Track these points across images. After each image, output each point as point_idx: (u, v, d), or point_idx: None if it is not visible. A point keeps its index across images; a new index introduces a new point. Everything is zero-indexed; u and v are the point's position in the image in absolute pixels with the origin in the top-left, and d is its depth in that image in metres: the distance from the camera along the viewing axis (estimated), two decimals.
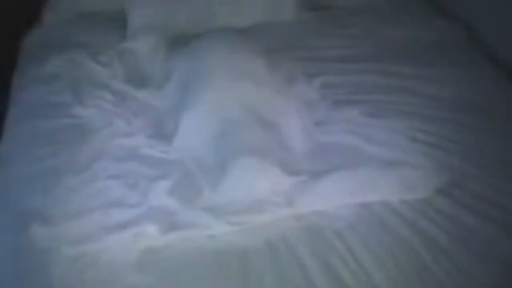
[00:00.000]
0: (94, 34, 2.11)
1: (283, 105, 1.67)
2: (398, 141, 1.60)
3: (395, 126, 1.66)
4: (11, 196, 1.49)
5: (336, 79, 1.88)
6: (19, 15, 2.28)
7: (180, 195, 1.45)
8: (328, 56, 1.98)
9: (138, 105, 1.79)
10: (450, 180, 1.48)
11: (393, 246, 1.33)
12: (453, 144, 1.60)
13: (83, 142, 1.63)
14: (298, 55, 1.97)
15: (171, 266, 1.31)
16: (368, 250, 1.32)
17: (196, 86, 1.68)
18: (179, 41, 1.99)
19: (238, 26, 2.09)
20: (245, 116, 1.59)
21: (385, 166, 1.50)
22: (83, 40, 2.07)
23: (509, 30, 1.99)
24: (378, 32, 2.09)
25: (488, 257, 1.31)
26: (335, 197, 1.44)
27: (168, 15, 2.14)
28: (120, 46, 2.02)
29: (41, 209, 1.42)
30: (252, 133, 1.54)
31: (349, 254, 1.32)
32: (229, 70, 1.69)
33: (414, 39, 2.04)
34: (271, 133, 1.58)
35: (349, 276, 1.27)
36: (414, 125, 1.66)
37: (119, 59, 1.97)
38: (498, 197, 1.45)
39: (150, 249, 1.34)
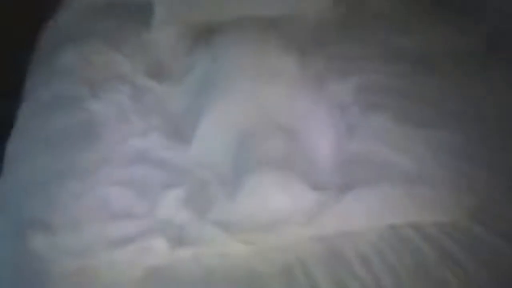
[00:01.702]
0: (117, 23, 1.98)
1: (311, 110, 1.53)
2: (432, 154, 1.45)
3: (427, 135, 1.51)
4: (13, 200, 1.40)
5: (373, 80, 1.71)
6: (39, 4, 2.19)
7: (191, 206, 1.33)
8: (366, 54, 1.81)
9: (157, 101, 1.67)
10: (480, 202, 1.33)
11: (421, 274, 1.20)
12: (486, 160, 1.44)
13: (93, 141, 1.52)
14: (333, 51, 1.81)
15: (177, 285, 1.19)
16: (393, 278, 1.19)
17: (217, 87, 1.56)
18: (205, 32, 1.86)
19: (267, 16, 1.93)
20: (267, 123, 1.45)
21: (415, 184, 1.35)
22: (106, 29, 1.95)
23: None
24: (421, 31, 1.91)
25: None
26: (361, 217, 1.30)
27: (194, 2, 2.00)
28: (144, 36, 1.90)
29: (42, 216, 1.32)
30: (273, 143, 1.41)
31: (373, 282, 1.18)
32: (254, 70, 1.56)
33: (456, 45, 1.86)
34: (294, 142, 1.44)
35: None
36: (447, 136, 1.50)
37: (142, 51, 1.85)
38: None
39: (155, 266, 1.22)
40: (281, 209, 1.29)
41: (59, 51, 1.87)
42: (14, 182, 1.45)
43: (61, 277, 1.21)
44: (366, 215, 1.30)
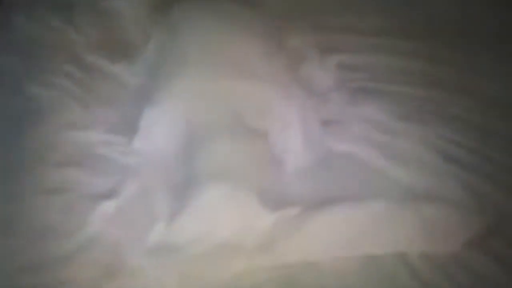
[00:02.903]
0: None
1: (279, 104, 1.27)
2: (430, 159, 1.21)
3: (430, 135, 1.26)
4: None
5: (359, 58, 1.47)
6: None
7: (127, 223, 1.11)
8: (352, 27, 1.55)
9: (107, 85, 1.43)
10: (492, 225, 1.08)
11: None
12: (504, 172, 1.18)
13: (29, 133, 1.29)
14: (312, 23, 1.54)
15: None
16: None
17: (167, 73, 1.30)
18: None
19: None
20: (224, 121, 1.20)
21: (406, 200, 1.11)
22: None
23: None
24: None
25: None
26: (332, 243, 1.07)
27: None
28: (101, 4, 1.64)
29: None
30: (229, 146, 1.16)
31: None
32: (212, 56, 1.29)
33: (479, 18, 1.55)
34: (256, 145, 1.19)
35: None
36: (455, 137, 1.25)
37: (97, 22, 1.59)
38: None
39: None
40: (230, 233, 1.06)
41: (11, 14, 1.62)
42: None
43: None
44: (336, 242, 1.07)
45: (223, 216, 1.08)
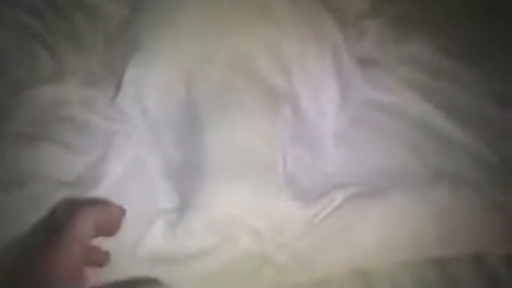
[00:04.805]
0: None
1: (309, 53, 0.95)
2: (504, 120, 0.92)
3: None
4: None
5: None
6: None
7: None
8: None
9: (85, 18, 1.10)
10: None
11: None
12: None
13: None
14: None
15: None
16: None
17: (156, 12, 0.98)
18: None
19: None
20: (238, 84, 0.89)
21: (481, 181, 0.85)
22: None
23: None
24: None
25: None
26: (386, 244, 0.81)
27: None
28: None
29: None
30: (247, 120, 0.86)
31: None
32: None
33: None
34: (283, 113, 0.88)
35: None
36: None
37: None
38: None
39: None
40: (255, 242, 0.79)
41: None
42: None
43: None
44: (395, 242, 0.81)
45: (243, 222, 0.80)
